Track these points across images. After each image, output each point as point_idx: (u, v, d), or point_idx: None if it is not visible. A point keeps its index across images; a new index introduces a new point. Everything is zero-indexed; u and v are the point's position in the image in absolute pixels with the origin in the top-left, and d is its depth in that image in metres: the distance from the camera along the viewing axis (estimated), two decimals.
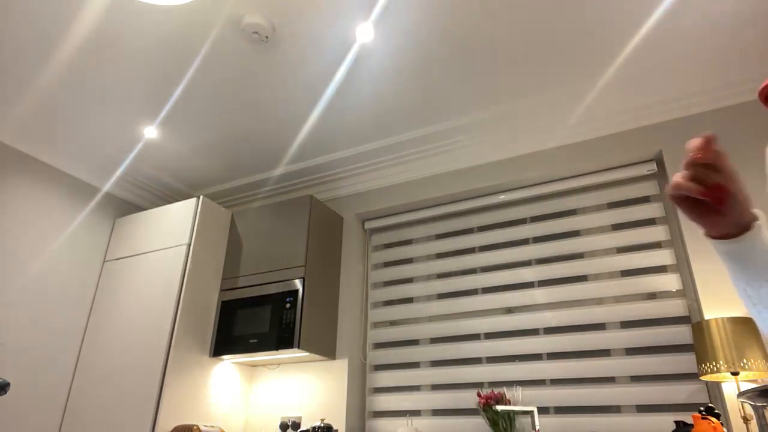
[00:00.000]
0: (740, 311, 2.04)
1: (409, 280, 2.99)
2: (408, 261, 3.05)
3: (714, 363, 1.79)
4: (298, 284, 2.69)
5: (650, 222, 2.46)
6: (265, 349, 2.63)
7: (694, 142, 0.60)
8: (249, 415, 2.96)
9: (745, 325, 1.82)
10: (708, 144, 0.59)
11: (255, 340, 2.68)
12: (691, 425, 1.75)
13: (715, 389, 2.09)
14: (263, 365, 3.03)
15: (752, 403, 1.59)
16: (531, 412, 2.25)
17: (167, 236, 2.93)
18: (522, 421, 2.37)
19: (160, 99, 2.62)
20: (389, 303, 3.00)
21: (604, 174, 2.60)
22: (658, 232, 2.42)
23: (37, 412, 2.72)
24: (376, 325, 2.99)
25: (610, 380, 2.31)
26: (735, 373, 1.77)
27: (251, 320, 2.74)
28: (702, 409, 1.71)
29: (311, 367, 2.89)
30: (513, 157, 2.80)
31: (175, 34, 2.20)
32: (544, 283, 2.59)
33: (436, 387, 2.68)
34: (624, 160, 2.54)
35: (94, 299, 3.08)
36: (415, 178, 3.06)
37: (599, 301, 2.45)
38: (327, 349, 2.78)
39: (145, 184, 3.45)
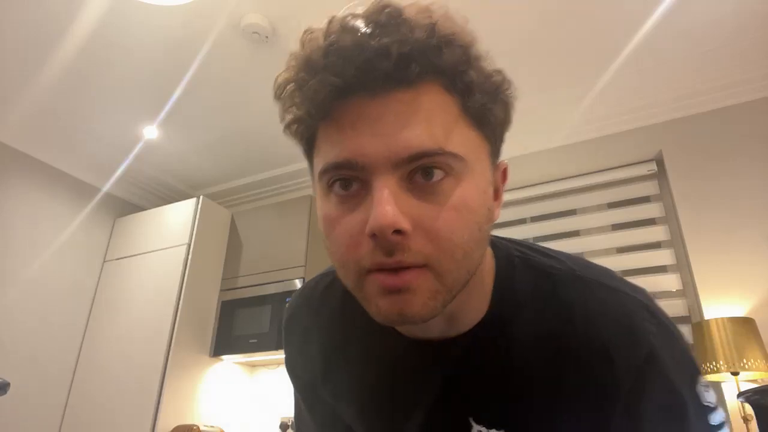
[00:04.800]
0: (740, 311, 2.04)
1: None
2: None
3: (714, 363, 1.79)
4: (298, 284, 2.69)
5: (650, 222, 2.46)
6: (265, 349, 2.63)
7: None
8: (249, 415, 2.96)
9: (745, 325, 1.82)
10: None
11: (255, 340, 2.67)
12: None
13: (715, 389, 2.08)
14: (263, 365, 3.03)
15: (752, 403, 1.59)
16: None
17: (167, 236, 2.93)
18: None
19: (160, 99, 2.61)
20: None
21: (604, 174, 2.59)
22: (658, 232, 2.42)
23: (37, 412, 2.72)
24: None
25: None
26: (735, 373, 1.77)
27: (251, 320, 2.74)
28: None
29: None
30: (513, 157, 2.79)
31: (175, 34, 2.20)
32: None
33: None
34: (624, 160, 2.54)
35: (94, 299, 3.07)
36: None
37: None
38: None
39: (145, 184, 3.45)
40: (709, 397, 0.48)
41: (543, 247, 0.54)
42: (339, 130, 0.42)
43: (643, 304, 0.48)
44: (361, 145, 0.40)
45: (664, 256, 2.36)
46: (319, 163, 0.44)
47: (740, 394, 1.61)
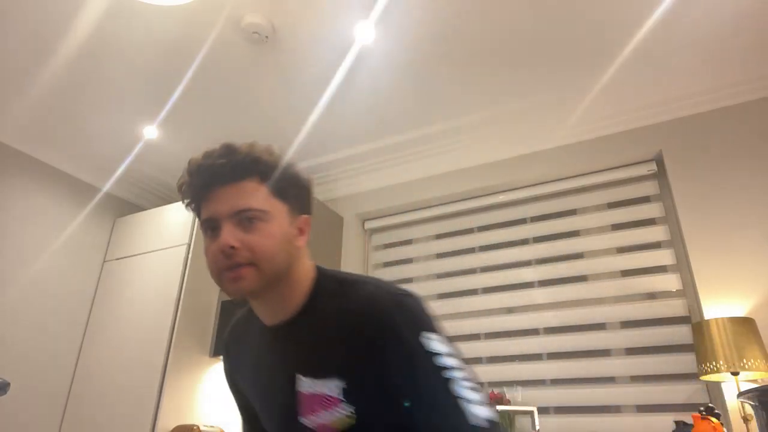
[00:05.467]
0: (740, 311, 2.04)
1: (409, 281, 2.99)
2: (408, 261, 3.04)
3: (714, 363, 1.79)
4: None
5: (650, 222, 2.46)
6: None
7: None
8: None
9: (745, 325, 1.82)
10: None
11: None
12: (691, 425, 1.75)
13: (715, 389, 2.08)
14: None
15: (752, 403, 1.59)
16: (531, 412, 2.25)
17: (167, 236, 2.93)
18: (522, 421, 2.37)
19: (160, 99, 2.62)
20: None
21: (604, 174, 2.60)
22: (658, 232, 2.42)
23: (37, 412, 2.72)
24: None
25: (610, 380, 2.31)
26: (735, 373, 1.77)
27: None
28: (702, 409, 1.71)
29: None
30: (513, 157, 2.80)
31: (175, 34, 2.20)
32: (544, 283, 2.59)
33: None
34: (624, 160, 2.54)
35: (94, 299, 3.07)
36: (415, 178, 3.06)
37: (599, 301, 2.45)
38: None
39: (145, 184, 3.45)
40: (436, 347, 0.71)
41: (347, 273, 0.86)
42: (207, 204, 0.80)
43: (389, 292, 0.76)
44: (216, 210, 0.79)
45: (664, 256, 2.36)
46: (201, 220, 0.82)
47: (740, 394, 1.61)
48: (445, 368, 0.70)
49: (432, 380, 0.69)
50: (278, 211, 0.81)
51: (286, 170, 0.83)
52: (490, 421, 0.69)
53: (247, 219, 0.78)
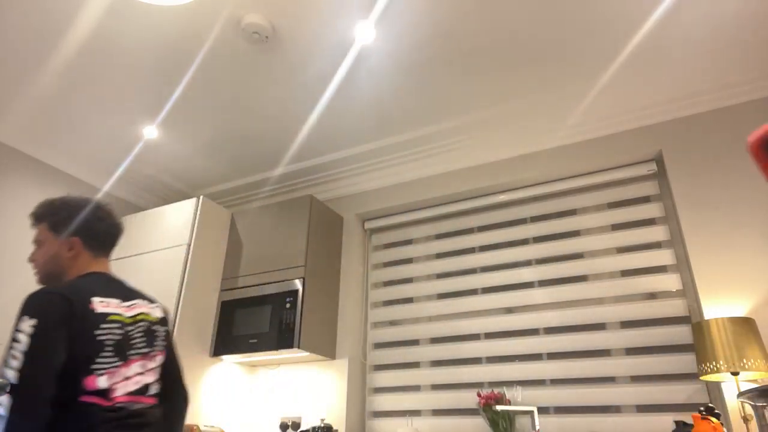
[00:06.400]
0: (740, 311, 2.04)
1: (409, 280, 2.99)
2: (408, 261, 3.04)
3: (714, 363, 1.79)
4: (298, 284, 2.69)
5: (650, 222, 2.46)
6: (265, 349, 2.63)
7: None
8: (249, 415, 2.96)
9: (745, 325, 1.82)
10: None
11: (255, 340, 2.68)
12: (691, 425, 1.75)
13: (715, 389, 2.09)
14: (263, 365, 3.03)
15: (752, 403, 1.59)
16: (531, 412, 2.25)
17: (167, 236, 2.93)
18: (522, 421, 2.37)
19: (160, 99, 2.62)
20: (389, 303, 3.00)
21: (604, 174, 2.60)
22: (658, 232, 2.42)
23: None
24: (376, 325, 2.99)
25: (610, 380, 2.31)
26: (735, 373, 1.77)
27: (251, 320, 2.74)
28: (702, 409, 1.71)
29: (311, 367, 2.89)
30: (513, 157, 2.80)
31: (175, 34, 2.20)
32: (544, 283, 2.59)
33: (436, 387, 2.68)
34: (624, 160, 2.54)
35: None
36: (415, 178, 3.06)
37: (599, 301, 2.45)
38: (327, 349, 2.78)
39: (145, 184, 3.45)
40: (19, 326, 1.13)
41: (77, 278, 1.33)
42: None
43: (36, 290, 1.19)
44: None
45: (664, 256, 2.36)
46: None
47: (740, 394, 1.61)
48: (12, 339, 1.12)
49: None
50: (48, 239, 1.35)
51: (55, 215, 1.36)
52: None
53: (34, 244, 1.37)
